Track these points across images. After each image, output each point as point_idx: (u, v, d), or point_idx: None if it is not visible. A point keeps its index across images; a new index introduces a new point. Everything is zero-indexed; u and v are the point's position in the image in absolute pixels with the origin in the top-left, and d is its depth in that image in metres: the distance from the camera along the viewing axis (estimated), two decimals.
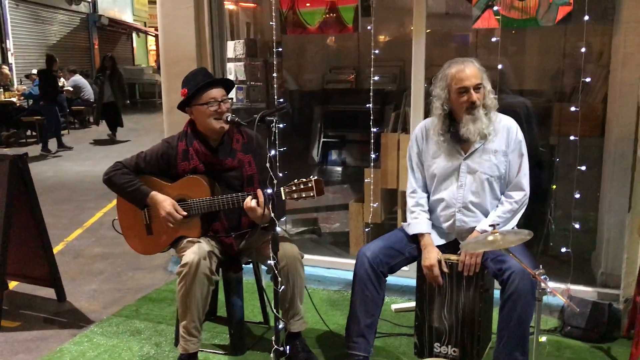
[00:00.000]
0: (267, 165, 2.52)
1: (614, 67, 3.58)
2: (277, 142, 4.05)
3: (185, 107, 2.99)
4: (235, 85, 5.06)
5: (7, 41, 14.63)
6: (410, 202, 3.02)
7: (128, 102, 11.39)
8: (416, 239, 2.93)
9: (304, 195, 2.63)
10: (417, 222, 2.94)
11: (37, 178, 7.07)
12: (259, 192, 2.76)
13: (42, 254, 3.84)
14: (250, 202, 2.75)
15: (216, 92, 2.92)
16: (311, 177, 2.63)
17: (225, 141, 3.02)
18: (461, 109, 2.78)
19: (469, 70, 2.75)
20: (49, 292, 4.00)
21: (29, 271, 3.96)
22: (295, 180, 2.65)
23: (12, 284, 4.18)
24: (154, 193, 2.93)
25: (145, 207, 3.00)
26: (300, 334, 3.08)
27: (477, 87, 2.75)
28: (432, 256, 2.84)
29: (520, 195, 2.84)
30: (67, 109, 13.05)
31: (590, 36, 3.56)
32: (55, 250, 4.90)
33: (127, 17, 22.66)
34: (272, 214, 2.58)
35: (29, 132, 12.19)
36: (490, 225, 2.38)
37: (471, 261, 2.77)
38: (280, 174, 3.95)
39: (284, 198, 2.67)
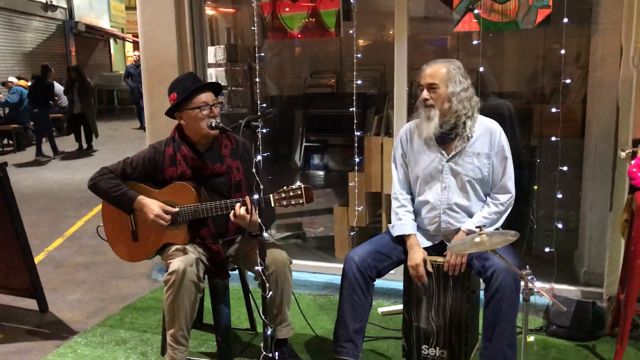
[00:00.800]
0: (254, 170, 2.51)
1: (592, 68, 3.64)
2: (261, 148, 4.03)
3: (174, 112, 2.97)
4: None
5: None
6: (394, 203, 3.03)
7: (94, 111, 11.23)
8: (402, 241, 2.94)
9: (293, 203, 2.63)
10: (401, 223, 2.95)
11: (16, 187, 6.94)
12: (248, 199, 2.74)
13: (23, 264, 3.77)
14: (239, 209, 2.73)
15: (207, 97, 2.90)
16: (301, 184, 2.62)
17: (214, 147, 2.99)
18: (421, 105, 2.85)
19: (430, 70, 2.81)
20: (30, 303, 3.93)
21: (9, 282, 3.89)
22: (285, 187, 2.65)
23: None
24: (140, 197, 2.89)
25: (131, 212, 2.97)
26: (287, 341, 3.06)
27: (431, 87, 2.79)
28: (417, 256, 2.84)
29: (506, 198, 2.86)
30: None
31: (569, 38, 3.62)
32: (36, 260, 4.81)
33: (104, 23, 22.45)
34: (260, 220, 2.57)
35: (5, 141, 12.01)
36: (476, 227, 2.40)
37: (457, 261, 2.78)
38: (266, 179, 3.94)
39: (273, 205, 2.66)
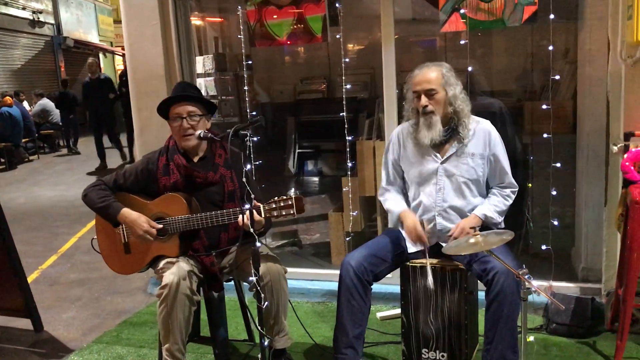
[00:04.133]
0: (244, 179, 2.49)
1: (581, 63, 3.64)
2: (252, 156, 4.00)
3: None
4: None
5: None
6: (382, 195, 3.11)
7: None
8: (399, 245, 2.92)
9: (284, 213, 2.61)
10: (391, 204, 3.02)
11: (9, 205, 6.88)
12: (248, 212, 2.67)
13: (16, 284, 3.72)
14: (255, 214, 2.65)
15: (181, 109, 2.87)
16: (291, 195, 2.60)
17: (208, 156, 2.98)
18: (418, 112, 2.81)
19: (424, 75, 2.78)
20: (24, 323, 3.88)
21: (2, 302, 3.84)
22: (276, 198, 2.63)
23: None
24: (125, 210, 2.87)
25: (117, 225, 2.94)
26: (286, 350, 3.03)
27: (428, 93, 2.76)
28: (409, 221, 2.86)
29: (511, 191, 2.92)
30: (37, 133, 12.90)
31: (557, 34, 3.61)
32: (30, 278, 4.78)
33: (93, 37, 22.41)
34: (252, 229, 2.54)
35: None
36: (493, 224, 2.39)
37: (463, 233, 2.75)
38: (258, 188, 3.91)
39: (263, 215, 2.64)
